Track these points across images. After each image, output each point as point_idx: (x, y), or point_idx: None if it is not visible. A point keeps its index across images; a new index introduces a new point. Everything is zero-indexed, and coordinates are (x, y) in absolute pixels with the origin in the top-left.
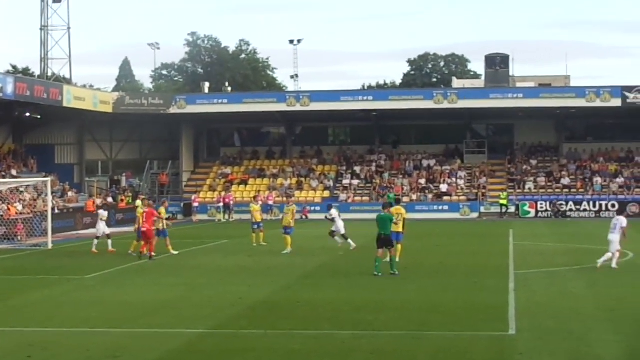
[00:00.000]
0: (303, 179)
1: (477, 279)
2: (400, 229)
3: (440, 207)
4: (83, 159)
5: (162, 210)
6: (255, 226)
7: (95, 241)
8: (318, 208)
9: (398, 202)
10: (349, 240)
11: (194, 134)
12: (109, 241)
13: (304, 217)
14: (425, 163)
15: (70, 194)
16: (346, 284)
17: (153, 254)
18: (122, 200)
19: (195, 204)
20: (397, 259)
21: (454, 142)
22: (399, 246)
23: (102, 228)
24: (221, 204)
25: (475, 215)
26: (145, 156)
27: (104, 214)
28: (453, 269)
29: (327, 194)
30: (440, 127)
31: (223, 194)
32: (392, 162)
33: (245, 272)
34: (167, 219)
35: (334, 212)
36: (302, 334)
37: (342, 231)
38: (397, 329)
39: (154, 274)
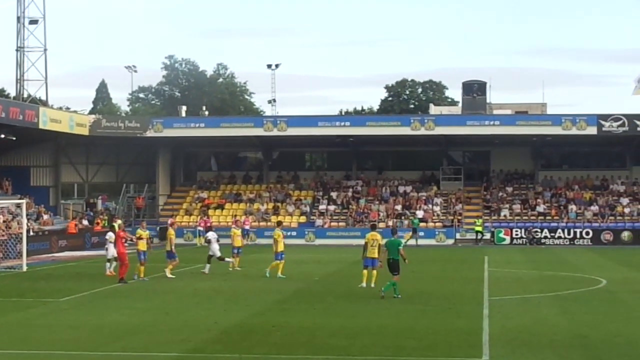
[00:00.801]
0: (279, 204)
1: (452, 304)
2: (376, 255)
3: (417, 234)
4: (59, 182)
5: (140, 232)
6: (235, 251)
7: (108, 264)
8: (294, 233)
9: (374, 227)
10: (208, 265)
11: (170, 158)
12: (112, 264)
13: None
14: (401, 189)
15: (45, 216)
16: (322, 308)
17: (122, 276)
18: (97, 224)
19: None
20: (373, 285)
21: (431, 168)
22: (374, 272)
23: (111, 250)
24: (201, 228)
25: (451, 241)
26: (122, 179)
27: (112, 236)
28: (428, 295)
29: (303, 219)
30: (417, 153)
31: (204, 218)
32: (369, 188)
33: (221, 296)
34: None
35: (210, 235)
36: (277, 358)
37: (217, 254)
38: (373, 354)
39: (129, 297)
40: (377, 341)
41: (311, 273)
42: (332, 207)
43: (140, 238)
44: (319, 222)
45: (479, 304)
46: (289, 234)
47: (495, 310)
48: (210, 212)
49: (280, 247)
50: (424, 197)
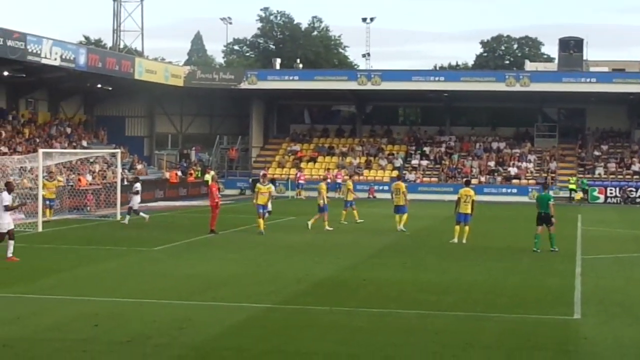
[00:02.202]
0: (372, 158)
1: (544, 262)
2: (469, 211)
3: (509, 190)
4: (153, 132)
5: (260, 186)
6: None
7: (128, 216)
8: (386, 187)
9: (467, 184)
10: (142, 214)
11: (264, 110)
12: (137, 215)
13: (371, 196)
14: (495, 146)
15: (139, 166)
16: (412, 263)
17: (213, 227)
18: (190, 175)
19: (301, 181)
20: (464, 241)
21: (525, 125)
22: (467, 228)
23: (136, 200)
24: (302, 181)
25: None
26: (215, 131)
27: (138, 186)
28: (520, 253)
29: (395, 173)
30: (512, 109)
31: (296, 172)
32: (462, 144)
33: (312, 249)
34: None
35: (138, 186)
36: (367, 311)
37: (135, 207)
38: (462, 310)
39: (221, 248)
40: (467, 297)
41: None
42: (424, 162)
43: (260, 192)
44: (411, 177)
45: (572, 262)
46: (380, 188)
47: (588, 268)
48: (303, 164)
49: (350, 197)
50: (517, 154)
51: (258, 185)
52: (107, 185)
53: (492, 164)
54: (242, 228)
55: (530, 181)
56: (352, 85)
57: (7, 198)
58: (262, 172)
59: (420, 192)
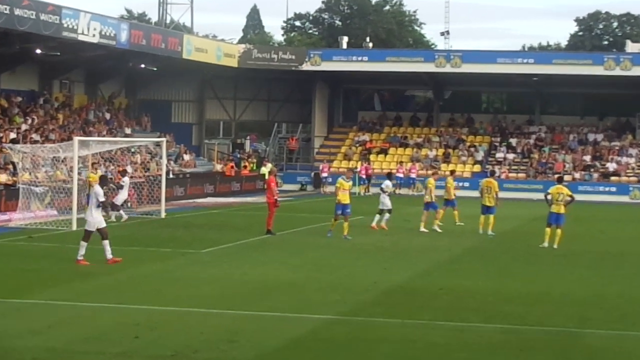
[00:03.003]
0: (451, 151)
1: None
2: (562, 211)
3: (607, 189)
4: (203, 119)
5: (342, 181)
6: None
7: (116, 213)
8: (467, 184)
9: (560, 180)
10: (121, 212)
11: (328, 95)
12: (116, 213)
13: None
14: (591, 137)
15: (186, 157)
16: (496, 270)
17: (269, 227)
18: (245, 167)
19: (324, 174)
20: (556, 245)
21: (626, 114)
22: (559, 231)
23: (122, 195)
24: (363, 175)
25: None
26: (273, 117)
27: (127, 180)
28: (619, 259)
29: (477, 168)
30: (611, 97)
31: (364, 164)
32: (554, 135)
33: (382, 253)
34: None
35: (126, 180)
36: (444, 325)
37: (118, 202)
38: (552, 325)
39: (278, 251)
40: (559, 310)
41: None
42: (510, 156)
43: (342, 188)
44: (495, 172)
45: None
46: (460, 184)
47: None
48: (372, 157)
49: (451, 195)
50: (617, 147)
51: (340, 180)
52: (150, 178)
53: (587, 158)
54: (302, 228)
55: (632, 178)
56: (429, 68)
57: (100, 193)
58: (347, 168)
59: (506, 190)
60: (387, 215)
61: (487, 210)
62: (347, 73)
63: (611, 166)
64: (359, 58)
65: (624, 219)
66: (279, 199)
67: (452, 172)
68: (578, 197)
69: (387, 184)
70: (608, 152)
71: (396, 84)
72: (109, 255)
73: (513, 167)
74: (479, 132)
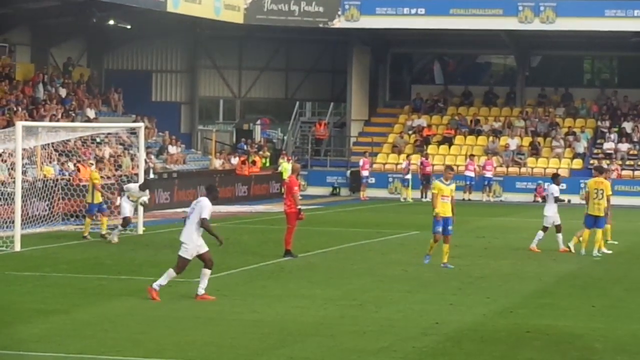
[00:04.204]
0: (541, 140)
1: None
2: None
3: None
4: (195, 96)
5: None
6: None
7: (120, 228)
8: (564, 186)
9: (601, 171)
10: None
11: (370, 63)
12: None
13: (539, 199)
14: None
15: (173, 149)
16: (604, 306)
17: (288, 247)
18: (254, 163)
19: (365, 172)
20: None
21: None
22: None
23: (128, 208)
24: (416, 174)
25: None
26: (293, 94)
27: (133, 188)
28: None
29: (578, 163)
30: None
31: (422, 158)
32: None
33: (445, 282)
34: None
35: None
36: None
37: (127, 215)
38: None
39: (301, 279)
40: None
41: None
42: (624, 146)
43: (442, 194)
44: (604, 168)
45: None
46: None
47: None
48: (432, 148)
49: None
50: None
51: (438, 184)
52: (123, 178)
53: None
54: (335, 248)
55: None
56: (511, 23)
57: (208, 208)
58: (445, 164)
59: (618, 193)
60: (559, 235)
61: (594, 222)
62: (397, 32)
63: None
64: (413, 10)
65: None
66: (302, 208)
67: (555, 175)
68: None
69: (554, 189)
70: None
71: (464, 47)
72: (202, 291)
73: (628, 163)
74: (580, 114)
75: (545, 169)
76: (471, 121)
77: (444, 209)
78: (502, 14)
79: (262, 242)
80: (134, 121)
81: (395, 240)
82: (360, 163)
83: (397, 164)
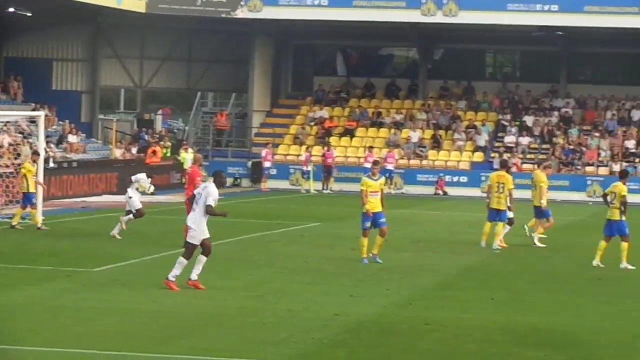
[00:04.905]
0: (442, 132)
1: None
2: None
3: None
4: (96, 85)
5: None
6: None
7: (125, 219)
8: (464, 179)
9: (624, 175)
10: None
11: (273, 54)
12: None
13: (439, 191)
14: (636, 115)
15: (73, 138)
16: (504, 300)
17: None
18: (154, 153)
19: (267, 164)
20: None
21: None
22: (625, 244)
23: (137, 199)
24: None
25: None
26: (195, 85)
27: (143, 179)
28: None
29: (479, 157)
30: None
31: (325, 149)
32: (585, 112)
33: (346, 275)
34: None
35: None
36: None
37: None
38: None
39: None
40: (590, 354)
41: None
42: (525, 140)
43: (370, 190)
44: (507, 161)
45: None
46: (455, 179)
47: None
48: (333, 140)
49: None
50: None
51: (365, 180)
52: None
53: (631, 144)
54: (235, 239)
55: None
56: (413, 16)
57: (214, 194)
58: (371, 158)
59: (519, 187)
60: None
61: (496, 215)
62: (300, 23)
63: None
64: (316, 1)
65: None
66: None
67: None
68: None
69: None
70: None
71: (368, 39)
72: (195, 277)
73: (528, 156)
74: (482, 107)
75: (446, 161)
76: (373, 113)
77: (373, 204)
78: (405, 6)
79: (163, 232)
80: (34, 110)
81: (296, 232)
82: (262, 154)
83: (298, 156)
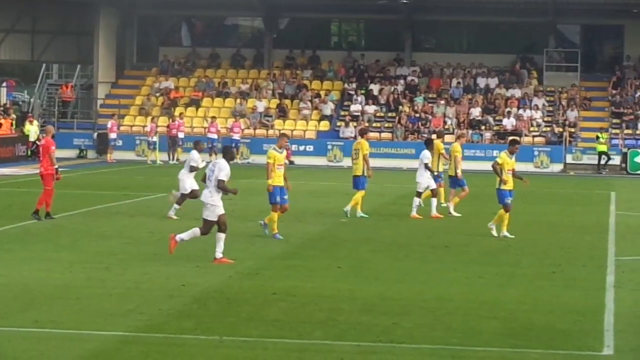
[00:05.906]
0: (288, 102)
1: (558, 267)
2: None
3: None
4: None
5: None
6: None
7: (176, 206)
8: (310, 147)
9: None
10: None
11: (117, 24)
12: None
13: (286, 161)
14: (482, 82)
15: None
16: (351, 267)
17: (48, 209)
18: (0, 125)
19: (113, 135)
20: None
21: (529, 51)
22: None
23: (189, 181)
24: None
25: (558, 167)
26: (40, 56)
27: (196, 156)
28: (520, 251)
29: (325, 125)
30: (509, 26)
31: (172, 120)
32: (430, 80)
33: (194, 245)
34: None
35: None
36: (278, 343)
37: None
38: (429, 342)
39: (46, 242)
40: (437, 321)
41: (336, 211)
42: (371, 108)
43: (277, 163)
44: (349, 131)
45: (601, 267)
46: (301, 148)
47: (626, 277)
48: (179, 110)
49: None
50: (516, 96)
51: (272, 152)
52: None
53: (476, 111)
54: (81, 211)
55: (537, 139)
56: None
57: (226, 169)
58: (280, 131)
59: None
60: (433, 200)
61: (357, 182)
62: None
63: (509, 122)
64: None
65: (527, 195)
66: (58, 168)
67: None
68: (465, 164)
69: (426, 155)
70: (505, 102)
71: (213, 9)
72: (219, 254)
73: (375, 125)
74: (328, 76)
75: (292, 131)
76: (219, 83)
77: (279, 178)
78: None
79: (8, 205)
80: None
81: (143, 203)
82: (108, 125)
83: (144, 127)
